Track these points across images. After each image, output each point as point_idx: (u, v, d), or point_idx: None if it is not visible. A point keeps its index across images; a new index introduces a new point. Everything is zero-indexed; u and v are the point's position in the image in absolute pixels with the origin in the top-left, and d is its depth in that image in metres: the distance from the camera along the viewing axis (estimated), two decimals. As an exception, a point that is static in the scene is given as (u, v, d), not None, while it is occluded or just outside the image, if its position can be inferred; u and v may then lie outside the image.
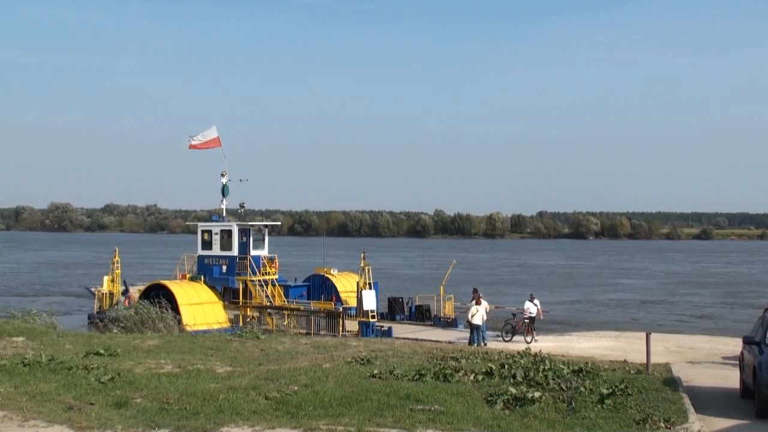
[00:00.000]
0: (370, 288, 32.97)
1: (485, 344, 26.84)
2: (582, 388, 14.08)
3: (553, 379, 14.89)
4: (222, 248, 36.50)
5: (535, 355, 18.17)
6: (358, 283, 34.15)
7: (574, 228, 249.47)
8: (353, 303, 35.10)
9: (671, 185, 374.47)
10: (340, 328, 31.84)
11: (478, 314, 27.71)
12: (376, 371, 15.56)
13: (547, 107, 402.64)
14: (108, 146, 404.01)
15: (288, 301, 35.62)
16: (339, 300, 36.41)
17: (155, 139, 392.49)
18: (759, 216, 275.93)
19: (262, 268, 35.88)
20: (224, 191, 37.97)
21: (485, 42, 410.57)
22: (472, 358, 18.02)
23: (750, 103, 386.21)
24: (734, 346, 24.78)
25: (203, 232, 37.37)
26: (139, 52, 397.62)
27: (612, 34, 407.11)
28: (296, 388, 13.93)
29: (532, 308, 29.78)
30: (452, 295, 36.27)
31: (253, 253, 36.26)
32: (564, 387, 14.19)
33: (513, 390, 13.44)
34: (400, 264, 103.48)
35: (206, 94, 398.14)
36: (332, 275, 38.97)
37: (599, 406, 12.87)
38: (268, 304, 34.76)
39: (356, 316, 33.12)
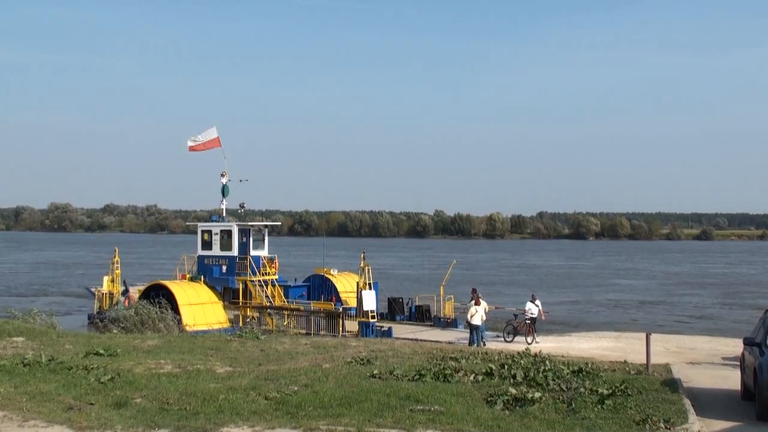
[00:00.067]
0: (370, 288, 32.97)
1: (484, 344, 26.84)
2: (582, 389, 14.08)
3: (553, 379, 14.88)
4: (222, 248, 36.50)
5: (535, 355, 18.18)
6: (358, 283, 34.15)
7: (574, 228, 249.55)
8: (353, 303, 35.10)
9: (671, 185, 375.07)
10: (340, 329, 31.83)
11: (477, 314, 27.71)
12: (376, 371, 15.55)
13: (547, 107, 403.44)
14: (108, 146, 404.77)
15: (288, 302, 35.61)
16: (339, 300, 36.41)
17: (155, 139, 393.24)
18: (759, 216, 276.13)
19: (262, 269, 35.88)
20: (224, 191, 37.97)
21: (485, 42, 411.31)
22: (472, 358, 18.02)
23: (750, 104, 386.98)
24: (734, 346, 24.79)
25: (203, 232, 37.37)
26: (139, 52, 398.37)
27: (612, 34, 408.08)
28: (296, 388, 13.93)
29: (533, 309, 29.77)
30: (452, 296, 36.27)
31: (253, 253, 36.26)
32: (564, 387, 14.18)
33: (513, 390, 13.44)
34: (400, 264, 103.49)
35: (206, 94, 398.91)
36: (332, 275, 38.97)
37: (599, 406, 12.87)
38: (268, 304, 34.75)
39: (356, 317, 33.12)
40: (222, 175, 38.03)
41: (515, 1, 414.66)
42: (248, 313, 35.33)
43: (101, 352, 17.57)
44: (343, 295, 37.18)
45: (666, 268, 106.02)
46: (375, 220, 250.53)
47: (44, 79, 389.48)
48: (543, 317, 31.18)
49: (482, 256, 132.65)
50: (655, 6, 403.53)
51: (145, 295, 35.00)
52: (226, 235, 36.49)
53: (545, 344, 26.56)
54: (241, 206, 38.65)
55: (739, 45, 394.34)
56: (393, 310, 37.36)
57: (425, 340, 27.81)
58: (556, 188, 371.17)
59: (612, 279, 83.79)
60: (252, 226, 37.26)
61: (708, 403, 15.10)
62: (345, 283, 38.30)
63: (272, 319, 34.02)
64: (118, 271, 39.23)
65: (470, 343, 27.05)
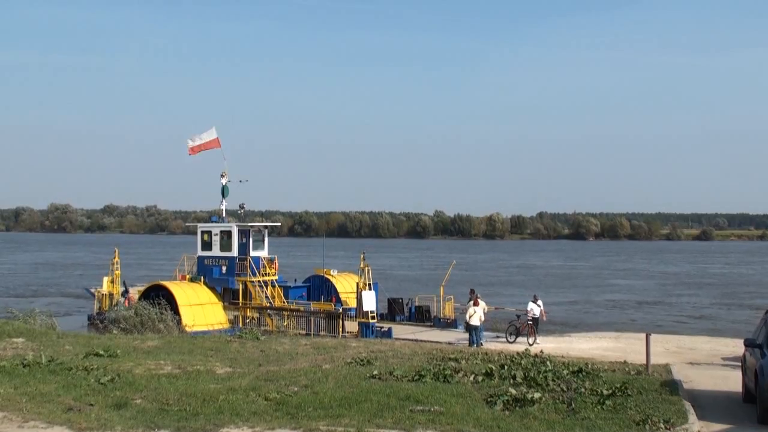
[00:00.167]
0: (370, 289, 32.96)
1: (481, 345, 26.81)
2: (582, 389, 14.09)
3: (553, 380, 14.88)
4: (222, 249, 36.50)
5: (535, 356, 18.17)
6: (357, 283, 34.15)
7: (574, 229, 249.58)
8: (353, 304, 35.09)
9: (671, 186, 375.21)
10: (340, 329, 31.82)
11: (476, 315, 27.70)
12: (375, 372, 15.56)
13: (547, 107, 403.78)
14: (108, 147, 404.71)
15: (288, 302, 35.60)
16: (339, 301, 36.39)
17: (155, 140, 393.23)
18: (759, 217, 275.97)
19: (261, 269, 35.88)
20: (224, 192, 37.98)
21: (485, 42, 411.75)
22: (472, 359, 18.02)
23: (750, 104, 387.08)
24: (734, 347, 24.79)
25: (203, 233, 37.37)
26: (139, 53, 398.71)
27: (612, 35, 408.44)
28: (296, 389, 13.93)
29: (535, 309, 29.75)
30: (452, 296, 36.28)
31: (253, 254, 36.26)
32: (564, 388, 14.17)
33: (513, 391, 13.44)
34: (399, 265, 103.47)
35: (206, 94, 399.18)
36: (332, 276, 38.96)
37: (599, 407, 12.88)
38: (268, 305, 34.75)
39: (356, 317, 33.11)
40: (222, 176, 38.04)
41: (515, 1, 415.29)
42: (248, 314, 35.32)
43: (101, 352, 17.57)
44: (342, 296, 37.17)
45: (665, 268, 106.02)
46: (375, 220, 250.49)
47: (44, 79, 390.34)
48: (544, 317, 31.21)
49: (482, 256, 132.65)
50: (655, 6, 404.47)
51: (145, 295, 34.99)
52: (226, 235, 36.49)
53: (545, 344, 26.54)
54: (241, 207, 38.67)
55: (739, 45, 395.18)
56: (393, 310, 37.36)
57: (425, 341, 27.81)
58: (556, 188, 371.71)
59: (611, 279, 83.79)
60: (252, 226, 37.27)
61: (708, 405, 14.96)
62: (345, 284, 38.29)
63: (272, 319, 34.02)
64: (117, 272, 39.23)
65: (470, 344, 27.05)
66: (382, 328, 32.17)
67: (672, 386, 15.35)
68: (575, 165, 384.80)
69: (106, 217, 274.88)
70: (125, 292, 38.25)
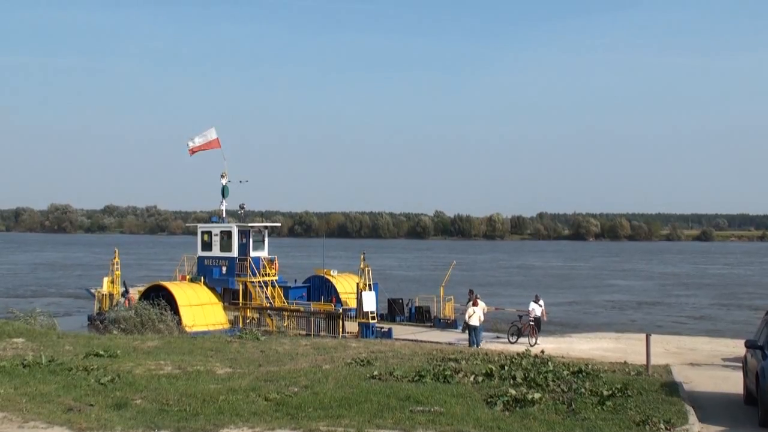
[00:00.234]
0: (370, 289, 32.94)
1: (479, 345, 26.79)
2: (582, 390, 14.07)
3: (553, 380, 14.87)
4: (222, 249, 36.48)
5: (536, 356, 18.16)
6: (357, 284, 34.13)
7: (574, 229, 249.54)
8: (353, 304, 35.07)
9: (671, 186, 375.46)
10: (340, 330, 31.81)
11: (475, 315, 27.69)
12: (376, 372, 15.55)
13: (547, 107, 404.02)
14: (108, 147, 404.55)
15: (288, 303, 35.59)
16: (339, 301, 36.36)
17: (155, 140, 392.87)
18: (759, 217, 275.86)
19: (261, 270, 35.87)
20: (224, 192, 37.96)
21: (485, 44, 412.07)
22: (472, 359, 18.01)
23: (750, 104, 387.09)
24: (734, 347, 24.78)
25: (203, 233, 37.35)
26: (139, 54, 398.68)
27: (611, 37, 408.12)
28: (296, 389, 13.93)
29: (537, 309, 29.71)
30: (452, 297, 36.27)
31: (253, 254, 36.25)
32: (564, 388, 14.17)
33: (513, 391, 13.44)
34: (399, 265, 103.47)
35: (206, 94, 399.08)
36: (332, 276, 38.94)
37: (599, 407, 12.87)
38: (268, 305, 34.74)
39: (356, 318, 33.10)
40: (222, 176, 38.03)
41: (516, 3, 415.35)
42: (248, 314, 35.30)
43: (101, 353, 17.56)
44: (343, 296, 37.15)
45: (664, 269, 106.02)
46: (375, 221, 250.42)
47: (44, 80, 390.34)
48: (545, 317, 31.21)
49: (481, 257, 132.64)
50: (654, 9, 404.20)
51: (145, 296, 34.97)
52: (226, 236, 36.47)
53: (545, 345, 26.49)
54: (241, 207, 38.65)
55: (739, 47, 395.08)
56: (393, 311, 37.34)
57: (425, 341, 27.80)
58: (556, 189, 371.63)
59: (610, 280, 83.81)
60: (252, 227, 37.26)
61: (709, 406, 14.79)
62: (345, 284, 38.28)
63: (272, 320, 34.01)
64: (118, 272, 39.19)
65: (470, 344, 27.03)
66: (382, 328, 32.16)
67: (672, 387, 15.33)
68: (575, 165, 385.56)
69: (106, 217, 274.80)
70: (125, 293, 38.23)
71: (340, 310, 33.39)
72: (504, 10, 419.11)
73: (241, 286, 35.78)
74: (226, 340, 21.87)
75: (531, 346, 25.64)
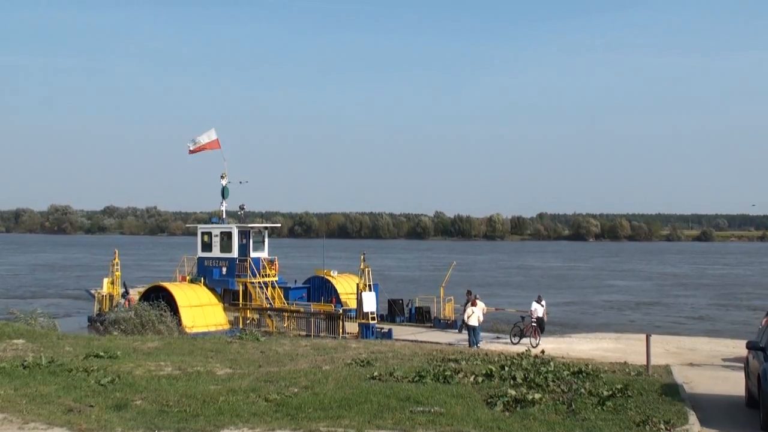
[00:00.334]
0: (370, 290, 32.96)
1: (479, 346, 26.79)
2: (582, 390, 14.06)
3: (553, 380, 14.86)
4: (222, 250, 36.49)
5: (536, 356, 18.16)
6: (358, 284, 34.15)
7: (574, 230, 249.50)
8: (353, 305, 35.08)
9: (671, 186, 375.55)
10: (340, 330, 31.80)
11: (474, 315, 27.70)
12: (376, 373, 15.55)
13: (547, 108, 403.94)
14: (108, 147, 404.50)
15: (288, 303, 35.60)
16: (339, 302, 36.37)
17: (155, 141, 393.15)
18: (759, 217, 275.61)
19: (261, 270, 35.87)
20: (224, 193, 37.98)
21: (485, 44, 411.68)
22: (472, 359, 17.99)
23: (750, 104, 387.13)
24: (734, 347, 24.78)
25: (203, 234, 37.36)
26: (139, 54, 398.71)
27: (611, 37, 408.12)
28: (296, 390, 13.93)
29: (539, 310, 29.74)
30: (452, 297, 36.27)
31: (253, 255, 36.25)
32: (564, 389, 14.17)
33: (513, 392, 13.44)
34: (399, 266, 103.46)
35: (206, 95, 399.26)
36: (332, 277, 38.95)
37: (599, 407, 12.87)
38: (268, 306, 34.74)
39: (356, 318, 33.11)
40: (222, 177, 38.05)
41: (515, 3, 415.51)
42: (248, 315, 35.31)
43: (101, 354, 17.56)
44: (343, 297, 37.16)
45: (663, 269, 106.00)
46: (375, 221, 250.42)
47: (44, 80, 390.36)
48: (545, 318, 31.20)
49: (481, 257, 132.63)
50: (655, 8, 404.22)
51: (145, 297, 34.98)
52: (226, 236, 36.48)
53: (545, 345, 26.49)
54: (241, 208, 38.68)
55: (739, 47, 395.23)
56: (393, 311, 37.36)
57: (425, 342, 27.79)
58: (556, 189, 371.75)
59: (609, 280, 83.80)
60: (252, 227, 37.27)
61: (710, 409, 14.50)
62: (345, 285, 38.29)
63: (272, 320, 34.01)
64: (117, 273, 39.19)
65: (469, 345, 27.03)
66: (382, 329, 32.17)
67: (672, 387, 15.31)
68: (575, 165, 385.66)
69: (106, 218, 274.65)
70: (125, 294, 38.23)
71: (340, 311, 33.38)
72: (504, 10, 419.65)
73: (241, 286, 35.78)
74: (226, 340, 21.86)
75: (533, 347, 25.62)
